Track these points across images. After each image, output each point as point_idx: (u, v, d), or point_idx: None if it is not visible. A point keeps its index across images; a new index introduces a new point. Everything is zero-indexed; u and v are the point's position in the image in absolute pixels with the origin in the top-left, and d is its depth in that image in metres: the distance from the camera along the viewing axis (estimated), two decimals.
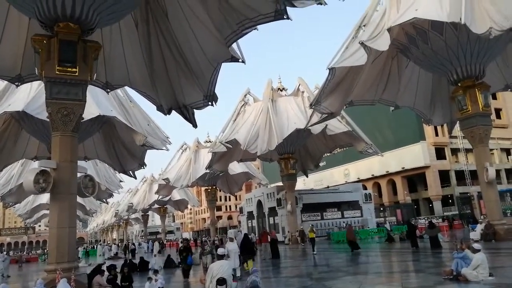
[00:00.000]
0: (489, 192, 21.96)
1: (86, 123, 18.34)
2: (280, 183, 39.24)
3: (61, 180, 11.87)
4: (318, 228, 36.18)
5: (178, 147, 51.96)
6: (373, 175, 63.74)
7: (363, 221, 39.99)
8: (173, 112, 16.56)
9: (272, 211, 41.00)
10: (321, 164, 44.43)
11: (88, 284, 11.88)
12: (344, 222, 38.22)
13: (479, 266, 9.71)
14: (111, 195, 38.19)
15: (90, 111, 18.87)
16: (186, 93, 15.47)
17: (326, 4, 11.20)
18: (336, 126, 32.56)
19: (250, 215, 46.30)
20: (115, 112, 20.88)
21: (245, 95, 37.99)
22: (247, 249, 15.96)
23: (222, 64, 14.42)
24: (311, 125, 28.47)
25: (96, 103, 20.13)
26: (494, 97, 54.67)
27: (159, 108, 16.45)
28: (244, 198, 52.21)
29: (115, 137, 23.91)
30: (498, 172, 48.55)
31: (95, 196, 21.46)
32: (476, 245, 10.48)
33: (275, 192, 40.43)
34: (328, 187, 61.77)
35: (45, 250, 51.08)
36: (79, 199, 24.94)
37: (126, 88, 19.58)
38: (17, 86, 17.39)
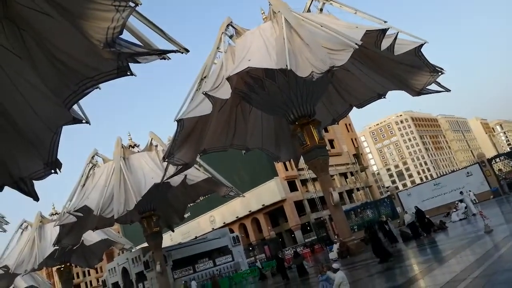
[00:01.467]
0: (337, 214, 24.71)
1: None
2: (146, 244, 36.87)
3: None
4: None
5: (16, 227, 44.50)
6: (237, 217, 65.48)
7: (235, 264, 40.22)
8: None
9: (141, 276, 37.92)
10: (186, 215, 43.61)
11: None
12: (217, 271, 37.74)
13: (341, 284, 10.58)
14: None
15: None
16: (22, 164, 13.46)
17: (169, 59, 11.39)
18: (195, 174, 32.70)
19: (115, 287, 41.85)
20: None
21: (92, 157, 35.24)
22: None
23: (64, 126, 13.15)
24: (168, 178, 27.94)
25: None
26: (326, 130, 63.10)
27: None
28: (106, 269, 47.15)
29: None
30: (340, 194, 55.46)
31: None
32: (335, 265, 11.47)
33: (141, 255, 37.70)
34: (196, 237, 60.77)
35: None
36: None
37: None
38: None
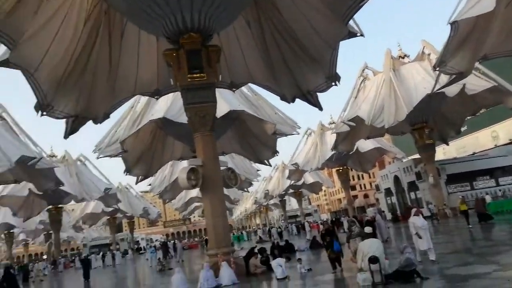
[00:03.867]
0: None
1: (219, 121, 19.99)
2: (417, 155, 36.70)
3: (208, 175, 13.30)
4: (469, 200, 32.74)
5: (302, 133, 52.68)
6: None
7: None
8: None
9: (412, 186, 38.70)
10: (462, 129, 40.01)
11: (245, 266, 13.10)
12: (500, 190, 33.91)
13: None
14: (250, 184, 40.95)
15: (221, 109, 20.43)
16: (308, 78, 15.67)
17: None
18: (476, 83, 28.88)
19: (387, 192, 44.53)
20: (243, 106, 22.22)
21: (363, 70, 36.39)
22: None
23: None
24: (441, 88, 25.80)
25: (225, 101, 21.77)
26: None
27: (283, 98, 17.00)
28: (378, 175, 50.34)
29: (246, 131, 25.51)
30: None
31: (237, 186, 23.23)
32: None
33: (412, 165, 38.03)
34: (474, 153, 55.31)
35: (202, 238, 57.33)
36: (224, 190, 27.35)
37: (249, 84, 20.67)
38: (157, 99, 20.03)
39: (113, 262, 37.33)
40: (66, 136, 16.93)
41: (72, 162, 44.09)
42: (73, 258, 54.66)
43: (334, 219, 47.64)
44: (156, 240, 76.92)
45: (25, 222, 51.23)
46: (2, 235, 63.93)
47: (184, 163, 26.23)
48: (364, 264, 8.02)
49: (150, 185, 40.74)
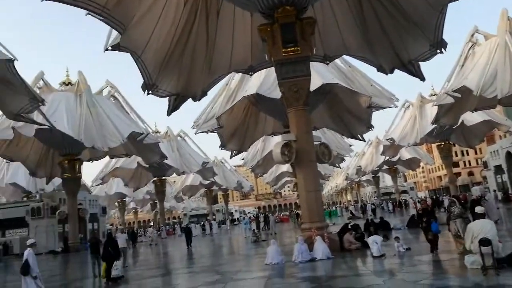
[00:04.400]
0: None
1: (311, 95, 19.75)
2: None
3: (301, 150, 13.35)
4: None
5: (399, 106, 49.48)
6: None
7: None
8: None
9: None
10: None
11: (339, 242, 13.02)
12: None
13: None
14: (342, 160, 40.11)
15: (314, 83, 20.05)
16: (409, 47, 14.56)
17: None
18: None
19: (498, 170, 40.26)
20: (336, 79, 21.57)
21: (472, 35, 32.43)
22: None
23: None
24: None
25: (318, 74, 21.33)
26: None
27: (380, 69, 16.10)
28: (487, 151, 45.63)
29: (339, 104, 24.84)
30: None
31: (330, 162, 22.91)
32: None
33: None
34: None
35: (292, 212, 58.19)
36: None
37: (344, 56, 19.93)
38: (251, 75, 20.42)
39: (211, 231, 39.97)
40: (169, 113, 18.24)
41: (174, 138, 47.66)
42: (174, 226, 59.81)
43: (434, 197, 44.72)
44: (249, 212, 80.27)
45: (135, 192, 57.53)
46: (116, 203, 72.42)
47: (276, 138, 26.62)
48: (474, 246, 7.40)
49: (243, 159, 42.30)
